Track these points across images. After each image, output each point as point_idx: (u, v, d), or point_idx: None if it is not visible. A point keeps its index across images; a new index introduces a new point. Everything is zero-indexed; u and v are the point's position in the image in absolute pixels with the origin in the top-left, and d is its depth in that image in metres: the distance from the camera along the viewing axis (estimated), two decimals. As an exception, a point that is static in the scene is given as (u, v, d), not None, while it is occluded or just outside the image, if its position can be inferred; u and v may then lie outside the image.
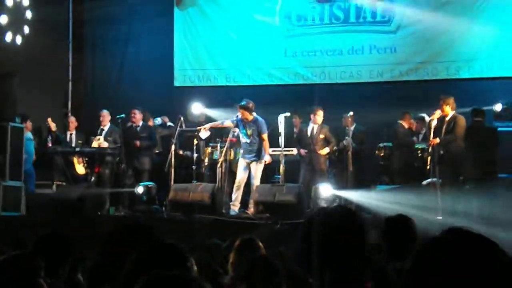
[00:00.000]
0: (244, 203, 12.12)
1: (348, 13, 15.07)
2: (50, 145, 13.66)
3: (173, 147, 12.78)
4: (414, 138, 12.99)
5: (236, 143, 12.69)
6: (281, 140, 12.15)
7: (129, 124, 13.47)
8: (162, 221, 10.95)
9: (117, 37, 16.37)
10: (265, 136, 12.01)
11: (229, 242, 5.79)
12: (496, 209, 10.51)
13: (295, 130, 13.66)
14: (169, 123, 14.49)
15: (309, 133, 12.75)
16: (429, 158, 11.12)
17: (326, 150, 12.65)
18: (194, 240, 8.29)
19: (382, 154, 13.10)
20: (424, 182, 11.31)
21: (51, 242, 4.32)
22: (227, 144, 12.29)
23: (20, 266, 3.54)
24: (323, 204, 11.48)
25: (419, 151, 12.45)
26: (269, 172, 12.81)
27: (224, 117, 12.96)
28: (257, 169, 12.01)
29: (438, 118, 11.09)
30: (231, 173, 12.39)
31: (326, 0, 15.14)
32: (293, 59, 15.41)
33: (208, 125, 12.48)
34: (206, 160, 13.13)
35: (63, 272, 4.26)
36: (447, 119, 11.15)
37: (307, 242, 2.65)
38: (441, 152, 11.07)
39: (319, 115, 12.66)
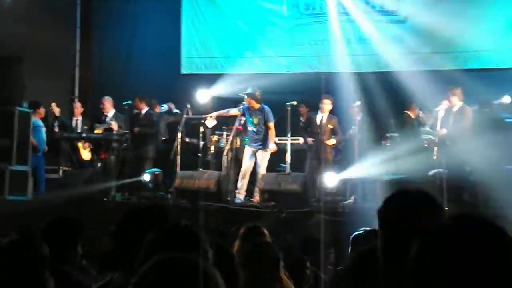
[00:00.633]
0: (249, 192, 12.13)
1: (357, 2, 15.00)
2: (56, 130, 13.67)
3: (179, 134, 12.78)
4: (422, 129, 12.94)
5: (242, 132, 12.68)
6: (288, 129, 12.15)
7: (135, 111, 13.50)
8: (167, 208, 10.94)
9: (124, 24, 16.34)
10: (271, 124, 12.00)
11: (235, 229, 5.80)
12: (502, 201, 10.52)
13: (301, 119, 13.63)
14: (175, 110, 14.48)
15: (318, 122, 12.70)
16: (436, 148, 11.10)
17: (333, 141, 12.62)
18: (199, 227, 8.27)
19: (388, 144, 13.05)
20: (431, 173, 11.29)
21: (60, 226, 4.30)
22: (233, 132, 12.28)
23: (22, 254, 3.35)
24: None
25: (426, 142, 12.41)
26: (275, 161, 12.79)
27: (229, 106, 12.95)
28: (263, 158, 12.01)
29: (445, 109, 11.08)
30: (237, 161, 12.39)
31: (335, -11, 15.08)
32: (300, 48, 15.37)
33: (214, 114, 12.46)
34: (212, 147, 13.12)
35: (72, 258, 4.24)
36: (454, 109, 11.14)
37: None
38: (448, 142, 11.05)
39: (326, 104, 12.61)
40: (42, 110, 13.41)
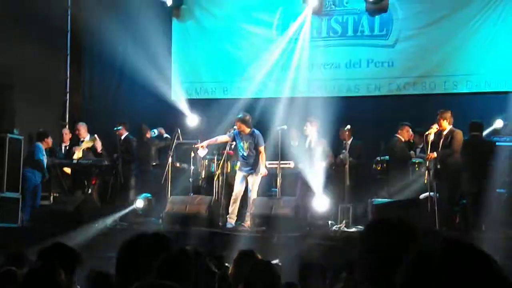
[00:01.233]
0: (241, 216, 12.11)
1: (346, 26, 15.09)
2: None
3: (170, 159, 12.78)
4: (412, 152, 13.00)
5: (233, 156, 12.69)
6: (278, 153, 12.17)
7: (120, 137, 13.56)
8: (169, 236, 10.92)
9: (115, 49, 16.34)
10: (262, 148, 12.03)
11: (227, 254, 5.80)
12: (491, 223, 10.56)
13: (292, 143, 13.66)
14: (165, 135, 14.49)
15: (306, 146, 12.73)
16: (427, 172, 11.14)
17: (322, 164, 12.63)
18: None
19: (379, 168, 13.08)
20: (421, 196, 11.32)
21: (58, 253, 4.28)
22: (224, 156, 12.30)
23: (45, 282, 3.54)
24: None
25: (416, 165, 12.45)
26: (266, 185, 12.80)
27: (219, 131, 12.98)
28: (254, 182, 12.01)
29: (435, 132, 11.13)
30: (228, 186, 12.39)
31: (324, 14, 15.17)
32: (291, 72, 15.40)
33: (205, 143, 12.42)
34: (203, 172, 13.13)
35: (68, 283, 4.22)
36: (444, 133, 11.19)
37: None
38: (438, 166, 11.10)
39: (307, 126, 12.62)
40: (49, 140, 13.45)
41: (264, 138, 12.27)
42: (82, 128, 13.97)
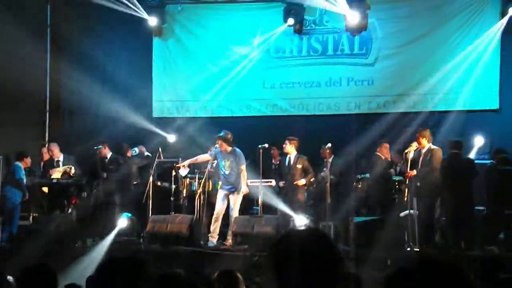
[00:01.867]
0: (222, 235, 12.09)
1: (326, 45, 15.21)
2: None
3: (151, 178, 12.75)
4: (392, 170, 13.06)
5: (214, 174, 12.68)
6: (260, 171, 12.19)
7: (100, 157, 13.44)
8: (140, 253, 10.88)
9: (95, 68, 16.30)
10: (243, 167, 12.03)
11: (208, 273, 5.79)
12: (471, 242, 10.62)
13: (273, 161, 13.69)
14: (146, 153, 14.45)
15: (286, 163, 12.76)
16: (407, 190, 11.20)
17: (302, 181, 12.64)
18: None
19: (360, 186, 13.13)
20: (402, 214, 11.37)
21: (37, 274, 4.26)
22: (205, 175, 12.29)
23: None
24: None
25: (396, 183, 12.51)
26: (247, 204, 12.80)
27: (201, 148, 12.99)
28: (236, 201, 12.01)
29: (415, 150, 11.20)
30: (210, 205, 12.36)
31: (304, 33, 15.27)
32: (271, 91, 15.49)
33: (186, 162, 12.40)
34: (184, 191, 13.10)
35: None
36: (423, 151, 11.26)
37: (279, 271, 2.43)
38: (418, 184, 11.16)
39: (286, 145, 12.64)
40: (28, 160, 13.34)
41: (245, 156, 12.28)
42: (55, 149, 13.93)
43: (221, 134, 12.11)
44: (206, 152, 12.69)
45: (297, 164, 12.62)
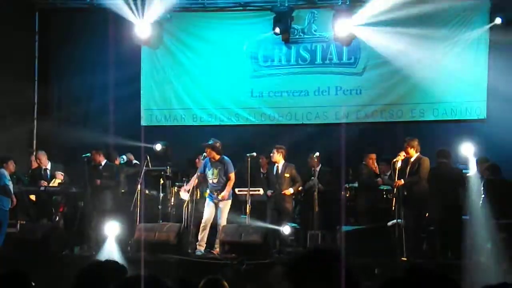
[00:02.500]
0: (210, 243, 12.07)
1: (314, 54, 15.24)
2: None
3: (139, 186, 12.72)
4: (379, 179, 13.07)
5: (202, 183, 12.67)
6: (248, 180, 12.19)
7: (93, 163, 13.32)
8: (127, 262, 10.82)
9: (83, 75, 16.27)
10: (232, 175, 12.04)
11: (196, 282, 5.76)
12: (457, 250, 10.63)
13: (262, 170, 13.69)
14: (134, 161, 14.42)
15: (274, 172, 12.79)
16: (394, 199, 11.22)
17: (290, 191, 12.67)
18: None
19: (347, 195, 13.15)
20: (389, 223, 11.39)
21: (11, 280, 4.23)
22: (193, 183, 12.28)
23: None
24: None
25: (384, 192, 12.54)
26: (235, 212, 12.79)
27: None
28: (224, 209, 12.00)
29: (402, 160, 11.23)
30: (198, 213, 12.34)
31: (293, 42, 15.29)
32: (259, 100, 15.48)
33: (188, 187, 12.37)
34: (172, 199, 13.08)
35: None
36: (411, 160, 11.29)
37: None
38: (405, 193, 11.18)
39: (273, 153, 12.67)
40: (11, 165, 13.09)
41: (234, 165, 12.27)
42: (43, 157, 13.88)
43: (209, 142, 12.12)
44: (194, 160, 12.70)
45: (285, 173, 12.67)
